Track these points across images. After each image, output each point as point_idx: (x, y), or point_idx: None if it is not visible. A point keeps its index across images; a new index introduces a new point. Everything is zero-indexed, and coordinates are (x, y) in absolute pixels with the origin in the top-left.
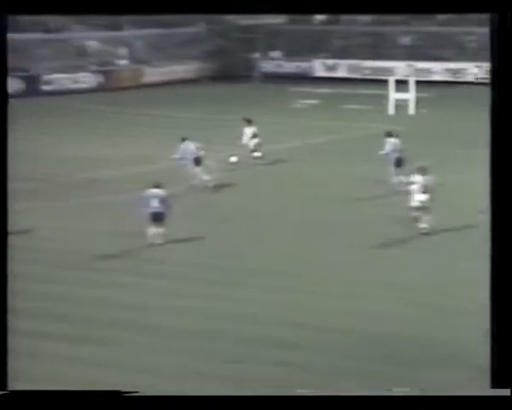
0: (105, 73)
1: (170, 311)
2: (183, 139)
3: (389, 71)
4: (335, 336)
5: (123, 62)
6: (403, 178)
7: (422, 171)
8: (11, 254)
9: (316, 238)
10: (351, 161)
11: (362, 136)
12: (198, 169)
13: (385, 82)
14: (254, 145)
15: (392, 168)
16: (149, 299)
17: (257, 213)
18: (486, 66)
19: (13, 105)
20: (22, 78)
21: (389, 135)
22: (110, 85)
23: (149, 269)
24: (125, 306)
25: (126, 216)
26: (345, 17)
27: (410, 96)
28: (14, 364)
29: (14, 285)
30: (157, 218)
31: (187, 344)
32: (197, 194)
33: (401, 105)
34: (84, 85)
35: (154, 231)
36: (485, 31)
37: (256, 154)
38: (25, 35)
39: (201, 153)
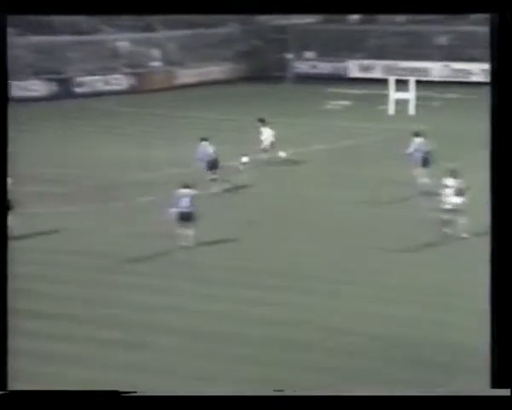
0: (137, 74)
1: (200, 314)
2: (202, 140)
3: (425, 71)
4: (364, 341)
5: (155, 64)
6: (429, 179)
7: (454, 173)
8: (36, 257)
9: (344, 241)
10: (381, 163)
11: (395, 137)
12: (213, 171)
13: (422, 83)
14: (270, 145)
15: (418, 168)
16: (179, 302)
17: (284, 215)
18: None
19: (46, 107)
20: (55, 80)
21: (416, 135)
22: (142, 87)
23: (179, 271)
24: (153, 308)
25: (157, 218)
26: (380, 16)
27: (410, 96)
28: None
29: (39, 287)
30: (186, 218)
31: (216, 348)
32: (225, 196)
33: (427, 106)
34: (117, 87)
35: (183, 232)
36: None
37: (271, 154)
38: (57, 37)
39: (215, 155)
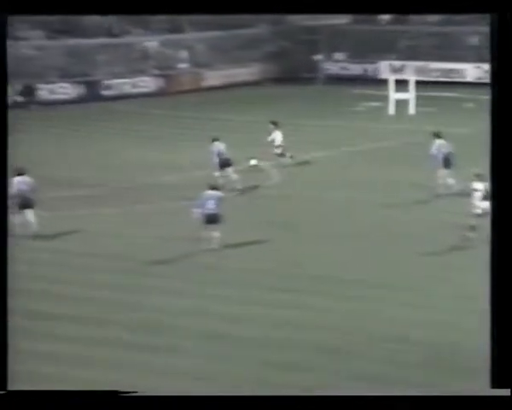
0: (165, 76)
1: (226, 318)
2: (214, 140)
3: (458, 73)
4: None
5: (183, 66)
6: (452, 181)
7: (481, 177)
8: (57, 258)
9: (375, 245)
10: (410, 165)
11: (425, 139)
12: (226, 170)
13: (453, 84)
14: (280, 148)
15: (440, 170)
16: (204, 304)
17: (311, 217)
18: None
19: (74, 110)
20: (83, 83)
21: (437, 136)
22: (170, 89)
23: (205, 275)
24: (178, 311)
25: (184, 221)
26: (412, 17)
27: (410, 96)
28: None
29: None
30: (212, 219)
31: (244, 352)
32: (249, 198)
33: (459, 107)
34: (145, 90)
35: (209, 235)
36: None
37: (282, 157)
38: (85, 40)
39: (227, 155)
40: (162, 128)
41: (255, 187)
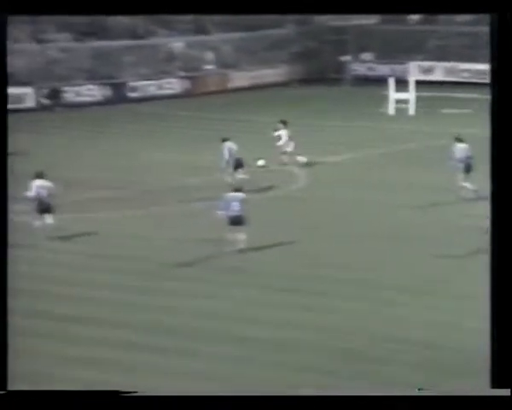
0: (191, 78)
1: (251, 321)
2: (224, 140)
3: (486, 74)
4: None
5: (209, 67)
6: (471, 185)
7: None
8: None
9: (396, 247)
10: (434, 168)
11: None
12: (237, 171)
13: (483, 85)
14: (289, 147)
15: (461, 174)
16: (229, 308)
17: (336, 218)
18: None
19: (99, 112)
20: (109, 85)
21: (458, 140)
22: (196, 91)
23: (229, 277)
24: (203, 314)
25: (209, 222)
26: (441, 17)
27: (410, 96)
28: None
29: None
30: (237, 221)
31: (271, 356)
32: (273, 199)
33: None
34: (170, 91)
35: (234, 236)
36: None
37: (291, 158)
38: (111, 42)
39: (238, 155)
40: (188, 130)
41: (269, 188)
